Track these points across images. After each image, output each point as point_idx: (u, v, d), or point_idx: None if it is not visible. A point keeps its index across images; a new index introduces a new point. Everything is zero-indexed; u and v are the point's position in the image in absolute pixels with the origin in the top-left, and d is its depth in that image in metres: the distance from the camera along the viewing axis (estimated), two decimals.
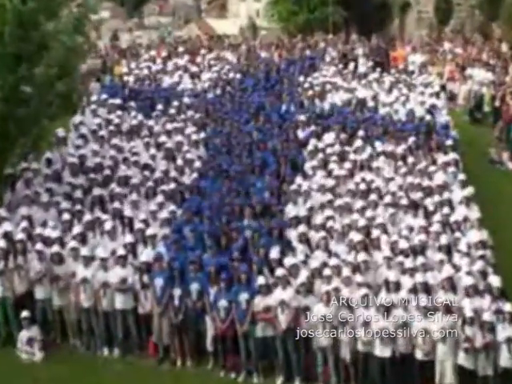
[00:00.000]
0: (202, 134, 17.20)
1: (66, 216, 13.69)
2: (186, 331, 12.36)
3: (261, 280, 11.93)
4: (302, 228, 13.14)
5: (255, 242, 12.82)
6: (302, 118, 17.68)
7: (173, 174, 15.32)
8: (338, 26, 34.98)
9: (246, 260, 12.41)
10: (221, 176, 15.29)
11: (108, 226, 13.32)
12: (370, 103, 19.17)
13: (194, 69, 21.88)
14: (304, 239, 12.92)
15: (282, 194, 14.65)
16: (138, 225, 13.42)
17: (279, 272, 11.99)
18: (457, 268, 12.08)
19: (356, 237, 12.80)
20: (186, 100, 19.13)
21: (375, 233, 13.00)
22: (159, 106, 18.50)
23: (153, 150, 16.22)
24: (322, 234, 12.94)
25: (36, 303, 12.91)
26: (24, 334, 12.76)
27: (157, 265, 12.41)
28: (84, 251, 12.68)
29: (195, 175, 15.21)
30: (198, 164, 15.68)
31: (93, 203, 14.37)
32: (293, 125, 17.49)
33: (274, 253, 12.46)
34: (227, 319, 11.96)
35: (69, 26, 14.80)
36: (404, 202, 14.15)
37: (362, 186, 14.71)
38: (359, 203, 14.05)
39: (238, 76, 21.25)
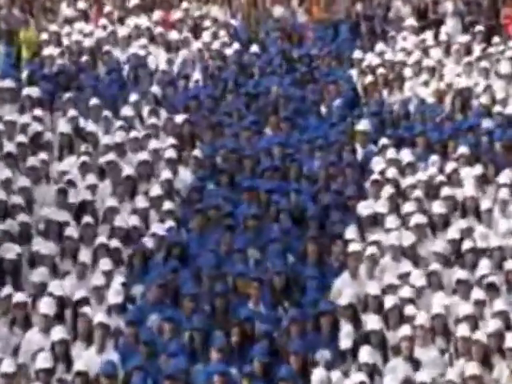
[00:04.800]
0: (197, 152, 17.27)
1: None
2: None
3: None
4: (373, 322, 13.25)
5: (280, 343, 13.22)
6: (364, 126, 17.78)
7: (131, 220, 15.53)
8: None
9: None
10: (218, 224, 15.42)
11: (45, 309, 13.40)
12: (478, 100, 19.41)
13: (172, 36, 22.10)
14: (378, 342, 13.06)
15: (324, 256, 14.91)
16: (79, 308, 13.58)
17: None
18: None
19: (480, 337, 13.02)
20: (156, 90, 19.29)
21: (492, 325, 13.14)
22: (107, 102, 18.61)
23: (93, 178, 16.32)
24: (408, 331, 13.07)
25: None
26: None
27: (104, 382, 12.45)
28: None
29: (169, 223, 15.45)
30: (169, 205, 15.79)
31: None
32: (344, 138, 17.78)
33: (319, 372, 12.60)
34: None
35: None
36: None
37: (468, 245, 14.74)
38: (460, 274, 14.28)
39: (239, 49, 21.85)
